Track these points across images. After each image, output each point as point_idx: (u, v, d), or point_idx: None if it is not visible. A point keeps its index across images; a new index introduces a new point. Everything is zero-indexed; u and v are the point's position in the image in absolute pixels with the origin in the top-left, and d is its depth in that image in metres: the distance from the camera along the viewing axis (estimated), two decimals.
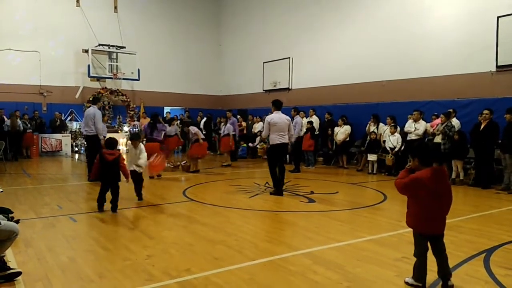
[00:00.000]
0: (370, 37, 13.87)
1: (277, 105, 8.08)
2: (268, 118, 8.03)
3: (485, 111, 9.23)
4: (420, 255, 3.53)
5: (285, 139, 7.98)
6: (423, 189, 3.42)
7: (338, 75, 14.80)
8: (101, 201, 6.42)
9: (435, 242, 3.56)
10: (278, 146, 7.91)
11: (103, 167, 6.29)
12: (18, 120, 14.38)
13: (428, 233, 3.55)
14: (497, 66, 10.59)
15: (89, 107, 10.71)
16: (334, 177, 11.04)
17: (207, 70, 21.22)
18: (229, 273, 3.87)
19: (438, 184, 3.45)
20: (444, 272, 3.53)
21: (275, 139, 7.90)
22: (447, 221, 5.96)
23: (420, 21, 12.42)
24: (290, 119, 8.35)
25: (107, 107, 17.89)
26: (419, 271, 3.54)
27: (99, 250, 4.53)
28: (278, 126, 7.87)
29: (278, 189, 7.97)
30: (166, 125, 11.86)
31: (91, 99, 12.97)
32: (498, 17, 10.48)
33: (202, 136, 11.67)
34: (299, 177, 10.66)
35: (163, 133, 10.45)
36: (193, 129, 11.64)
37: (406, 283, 3.62)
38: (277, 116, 7.96)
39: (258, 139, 15.62)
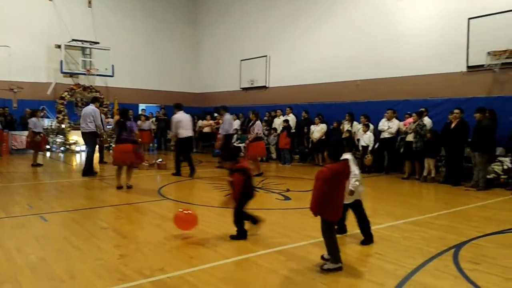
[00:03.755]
0: (345, 37, 14.02)
1: (179, 107, 10.05)
2: (175, 117, 9.85)
3: (456, 110, 9.46)
4: (333, 238, 3.97)
5: (191, 133, 10.11)
6: (336, 179, 3.85)
7: (314, 74, 14.91)
8: None
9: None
10: (185, 139, 9.83)
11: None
12: None
13: (338, 218, 4.05)
14: (468, 67, 10.87)
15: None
16: (310, 174, 11.11)
17: (183, 67, 21.02)
18: (203, 272, 3.85)
19: (345, 175, 3.97)
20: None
21: (183, 133, 9.75)
22: (418, 217, 6.17)
23: (394, 23, 12.63)
24: (191, 117, 10.54)
25: (80, 104, 17.51)
26: (337, 252, 3.91)
27: (71, 249, 4.43)
28: (184, 123, 9.79)
29: (178, 172, 10.01)
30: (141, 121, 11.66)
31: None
32: (469, 19, 10.75)
33: (261, 134, 10.76)
34: (275, 175, 10.69)
35: (134, 132, 8.43)
36: (257, 125, 10.41)
37: (328, 270, 3.86)
38: (182, 116, 9.87)
39: (235, 137, 15.61)
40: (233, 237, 4.88)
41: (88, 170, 9.91)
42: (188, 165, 10.10)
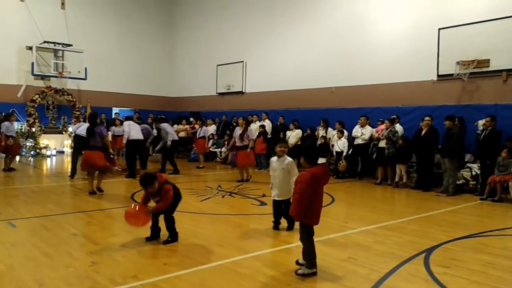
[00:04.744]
0: (320, 45, 14.22)
1: (128, 118, 11.31)
2: (125, 123, 10.89)
3: (426, 118, 9.71)
4: (312, 243, 3.97)
5: (141, 136, 10.78)
6: (317, 183, 3.82)
7: (290, 80, 15.03)
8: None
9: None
10: (135, 141, 10.55)
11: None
12: None
13: (317, 223, 4.02)
14: (438, 75, 11.19)
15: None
16: None
17: (158, 71, 20.79)
18: (177, 278, 3.80)
19: (325, 179, 3.94)
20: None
21: (134, 135, 10.53)
22: (390, 222, 6.29)
23: (367, 32, 12.91)
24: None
25: (51, 107, 17.10)
26: (313, 258, 3.95)
27: (40, 257, 4.30)
28: (133, 126, 10.72)
29: (132, 174, 10.49)
30: (114, 127, 11.57)
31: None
32: (439, 29, 11.09)
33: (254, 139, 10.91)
34: (251, 180, 10.67)
35: (104, 138, 8.17)
36: (250, 131, 10.54)
37: (303, 275, 3.87)
38: (131, 122, 10.92)
39: (211, 142, 15.55)
40: (165, 242, 4.85)
41: (75, 171, 10.34)
42: (127, 166, 10.77)
